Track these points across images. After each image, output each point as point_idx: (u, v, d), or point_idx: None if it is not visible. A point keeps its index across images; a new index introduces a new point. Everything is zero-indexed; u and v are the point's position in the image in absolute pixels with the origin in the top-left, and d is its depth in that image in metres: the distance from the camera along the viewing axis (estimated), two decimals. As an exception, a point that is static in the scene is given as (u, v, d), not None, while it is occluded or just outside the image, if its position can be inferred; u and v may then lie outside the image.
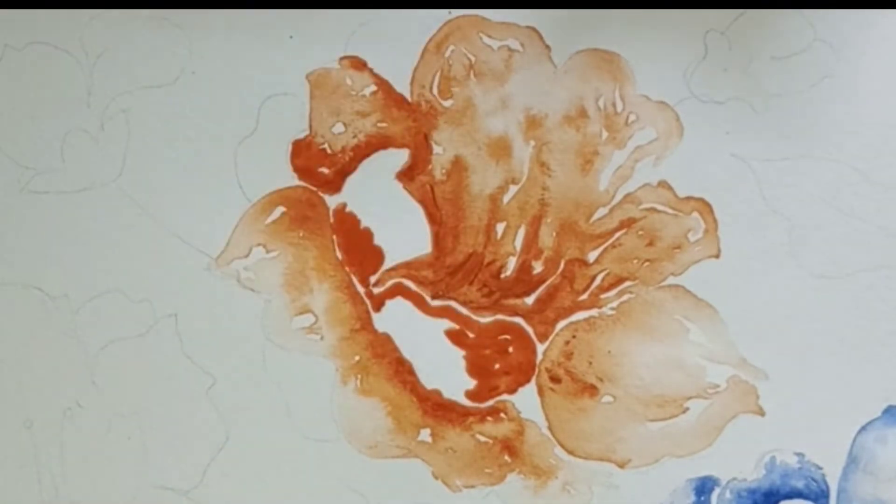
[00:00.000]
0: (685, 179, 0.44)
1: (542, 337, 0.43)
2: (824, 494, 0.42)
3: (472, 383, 0.44)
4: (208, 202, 0.44)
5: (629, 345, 0.43)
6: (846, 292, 0.43)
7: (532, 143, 0.44)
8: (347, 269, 0.44)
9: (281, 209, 0.44)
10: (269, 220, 0.44)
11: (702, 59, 0.44)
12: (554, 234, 0.44)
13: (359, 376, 0.43)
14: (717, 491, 0.42)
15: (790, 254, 0.43)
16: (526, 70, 0.44)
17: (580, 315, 0.43)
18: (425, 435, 0.43)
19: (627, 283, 0.43)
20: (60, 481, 0.43)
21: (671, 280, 0.43)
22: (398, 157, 0.44)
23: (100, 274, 0.44)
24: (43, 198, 0.44)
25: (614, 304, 0.43)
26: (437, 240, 0.44)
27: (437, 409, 0.43)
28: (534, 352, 0.43)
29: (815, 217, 0.43)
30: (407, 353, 0.44)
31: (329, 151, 0.44)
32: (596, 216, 0.44)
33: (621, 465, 0.43)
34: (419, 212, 0.44)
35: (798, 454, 0.42)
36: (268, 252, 0.44)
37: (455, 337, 0.44)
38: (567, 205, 0.44)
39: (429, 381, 0.44)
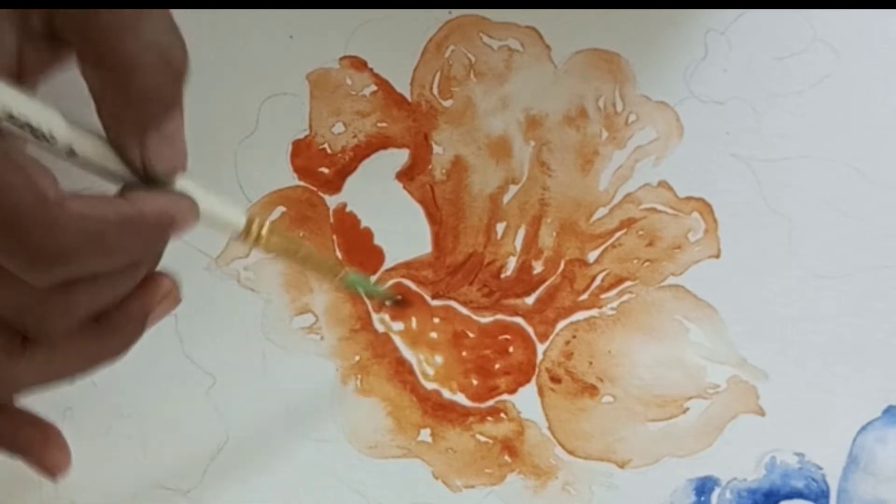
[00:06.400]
0: (685, 179, 0.44)
1: (543, 337, 0.43)
2: (824, 494, 0.42)
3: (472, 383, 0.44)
4: (208, 202, 0.44)
5: (629, 345, 0.43)
6: (846, 292, 0.43)
7: (532, 143, 0.44)
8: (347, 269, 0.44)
9: (281, 209, 0.44)
10: (269, 220, 0.44)
11: (702, 59, 0.44)
12: (554, 234, 0.44)
13: (359, 376, 0.43)
14: (717, 491, 0.42)
15: (790, 254, 0.43)
16: (526, 70, 0.44)
17: (580, 315, 0.43)
18: (425, 435, 0.43)
19: (627, 283, 0.44)
20: (60, 481, 0.43)
21: (671, 280, 0.43)
22: (398, 157, 0.44)
23: (100, 274, 0.44)
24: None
25: (614, 304, 0.43)
26: (437, 240, 0.44)
27: (437, 409, 0.43)
28: (534, 352, 0.43)
29: (815, 217, 0.43)
30: (407, 353, 0.44)
31: (329, 151, 0.44)
32: (596, 216, 0.44)
33: (621, 465, 0.43)
34: (419, 212, 0.44)
35: (798, 454, 0.42)
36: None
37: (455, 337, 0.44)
38: (567, 205, 0.44)
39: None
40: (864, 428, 0.42)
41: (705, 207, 0.44)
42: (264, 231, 0.36)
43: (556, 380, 0.43)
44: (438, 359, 0.43)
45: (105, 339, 0.35)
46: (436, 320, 0.44)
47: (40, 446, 0.39)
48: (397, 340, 0.44)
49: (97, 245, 0.31)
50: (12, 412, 0.39)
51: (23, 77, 0.33)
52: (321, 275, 0.40)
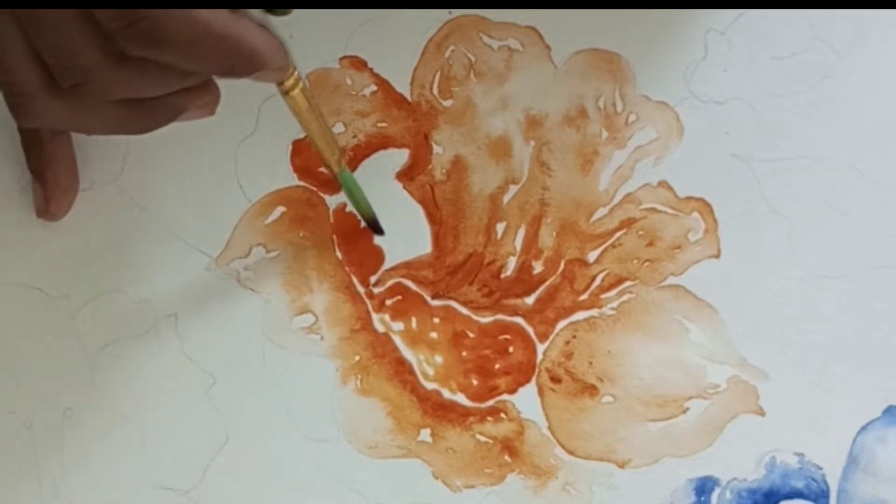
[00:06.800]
0: (685, 179, 0.44)
1: (543, 337, 0.43)
2: (824, 494, 0.42)
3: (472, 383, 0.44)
4: (208, 202, 0.44)
5: (629, 345, 0.43)
6: (846, 292, 0.43)
7: (532, 143, 0.44)
8: (347, 269, 0.44)
9: (281, 209, 0.44)
10: (269, 220, 0.44)
11: (702, 59, 0.44)
12: (554, 234, 0.44)
13: (359, 376, 0.43)
14: (717, 491, 0.42)
15: (790, 254, 0.43)
16: (526, 70, 0.44)
17: (580, 315, 0.43)
18: (425, 435, 0.43)
19: (627, 283, 0.43)
20: (60, 481, 0.43)
21: (671, 280, 0.43)
22: (398, 157, 0.44)
23: (100, 274, 0.44)
24: (43, 198, 0.44)
25: (614, 304, 0.43)
26: (437, 240, 0.44)
27: (437, 409, 0.43)
28: (534, 352, 0.43)
29: (815, 217, 0.43)
30: (407, 353, 0.44)
31: (329, 151, 0.44)
32: (596, 216, 0.44)
33: (621, 465, 0.43)
34: (419, 212, 0.44)
35: (798, 454, 0.42)
36: (268, 252, 0.44)
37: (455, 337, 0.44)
38: (567, 205, 0.44)
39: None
40: (864, 428, 0.42)
41: (705, 207, 0.44)
42: (298, 87, 0.38)
43: (556, 380, 0.43)
44: (438, 359, 0.43)
45: (136, 114, 0.36)
46: (436, 320, 0.44)
47: (61, 189, 0.43)
48: (397, 340, 0.44)
49: (188, 46, 0.32)
50: (57, 143, 0.42)
51: None
52: (323, 156, 0.41)
